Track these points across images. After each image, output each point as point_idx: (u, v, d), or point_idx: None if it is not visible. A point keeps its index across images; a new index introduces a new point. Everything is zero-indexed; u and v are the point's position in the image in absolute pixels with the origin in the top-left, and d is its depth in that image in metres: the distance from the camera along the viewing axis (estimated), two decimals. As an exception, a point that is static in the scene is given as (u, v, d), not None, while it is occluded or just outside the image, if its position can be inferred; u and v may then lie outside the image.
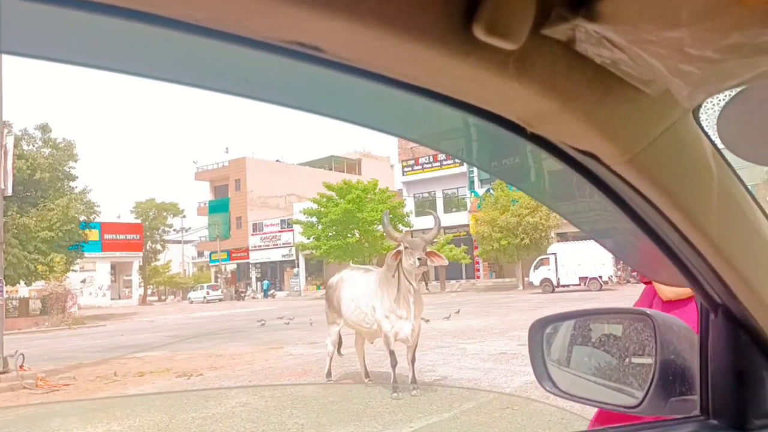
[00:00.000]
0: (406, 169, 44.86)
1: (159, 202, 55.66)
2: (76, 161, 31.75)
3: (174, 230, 57.56)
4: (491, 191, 35.75)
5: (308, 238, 37.51)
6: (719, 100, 0.67)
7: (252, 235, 51.79)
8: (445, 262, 7.68)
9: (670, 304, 2.01)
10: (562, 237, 33.19)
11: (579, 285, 29.53)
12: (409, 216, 36.73)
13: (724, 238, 0.77)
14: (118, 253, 47.33)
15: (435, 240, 8.17)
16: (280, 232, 50.01)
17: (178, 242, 58.76)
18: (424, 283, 7.38)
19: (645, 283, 2.23)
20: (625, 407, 1.05)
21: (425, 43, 0.48)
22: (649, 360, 1.02)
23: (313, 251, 38.04)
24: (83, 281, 42.78)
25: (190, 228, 60.92)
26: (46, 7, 0.45)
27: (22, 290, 31.79)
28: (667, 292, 2.03)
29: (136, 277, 50.43)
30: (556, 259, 30.45)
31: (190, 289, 52.54)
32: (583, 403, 1.21)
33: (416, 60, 0.50)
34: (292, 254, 48.02)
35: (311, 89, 0.65)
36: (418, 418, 5.97)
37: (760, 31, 0.42)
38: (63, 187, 31.11)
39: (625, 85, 0.55)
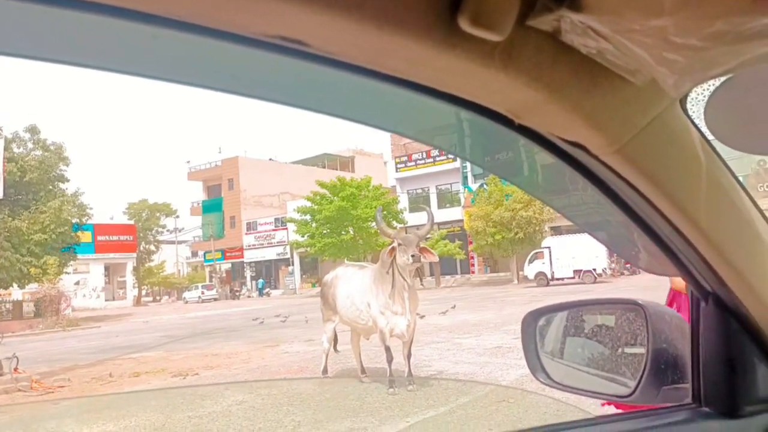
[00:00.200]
0: (399, 166, 44.83)
1: (152, 202, 55.39)
2: (67, 164, 31.66)
3: (167, 230, 57.30)
4: (485, 186, 35.78)
5: (302, 236, 37.43)
6: (705, 90, 0.68)
7: (246, 234, 51.65)
8: (436, 259, 7.69)
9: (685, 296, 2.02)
10: (556, 230, 33.26)
11: (573, 278, 29.64)
12: (403, 212, 36.72)
13: (713, 227, 0.77)
14: (111, 255, 47.11)
15: (429, 236, 8.18)
16: (274, 230, 49.89)
17: (172, 242, 58.51)
18: (418, 278, 7.40)
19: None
20: (618, 397, 1.06)
21: (410, 36, 0.48)
22: (641, 350, 1.02)
23: (308, 249, 37.97)
24: (77, 283, 42.53)
25: (183, 228, 60.74)
26: (28, 5, 0.45)
27: (16, 293, 31.56)
28: (679, 282, 2.05)
29: (130, 278, 50.21)
30: (550, 252, 30.54)
31: (185, 289, 52.34)
32: (576, 394, 1.22)
33: (402, 53, 0.50)
34: (286, 252, 47.91)
35: (300, 85, 0.65)
36: (415, 413, 5.98)
37: (743, 18, 0.42)
38: (55, 190, 30.97)
39: (612, 75, 0.55)
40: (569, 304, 1.33)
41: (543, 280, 30.37)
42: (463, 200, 40.44)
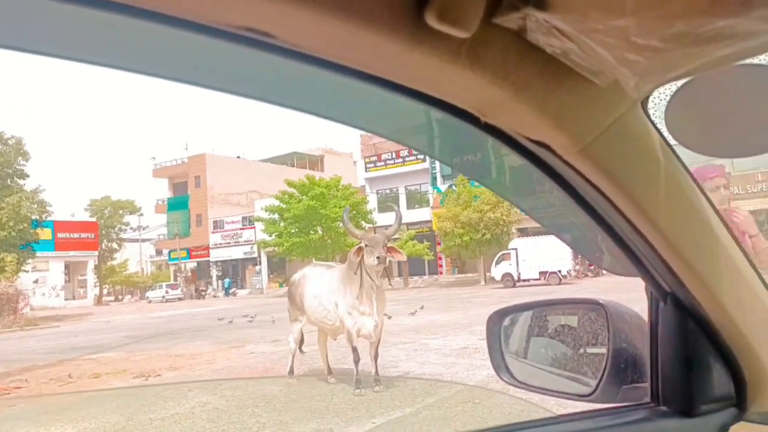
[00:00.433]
0: (368, 166, 44.82)
1: (115, 199, 54.22)
2: (27, 159, 30.82)
3: (131, 228, 56.14)
4: (453, 187, 36.05)
5: (270, 236, 37.10)
6: (666, 93, 0.69)
7: (212, 232, 50.96)
8: (404, 257, 7.72)
9: None
10: (523, 232, 33.70)
11: (539, 279, 30.07)
12: (372, 213, 36.73)
13: (672, 228, 0.79)
14: (72, 252, 45.96)
15: (397, 236, 8.21)
16: (241, 229, 49.36)
17: (136, 240, 57.35)
18: (387, 279, 7.40)
19: None
20: (579, 396, 1.07)
21: (377, 30, 0.47)
22: (602, 349, 1.04)
23: (276, 248, 37.64)
24: (36, 281, 41.38)
25: (148, 226, 59.57)
26: None
27: (-30, 291, 30.56)
28: None
29: (91, 277, 49.04)
30: (516, 254, 30.92)
31: (148, 288, 51.35)
32: (539, 393, 1.23)
33: (368, 47, 0.50)
34: (253, 252, 47.43)
35: (269, 80, 0.64)
36: (381, 414, 5.98)
37: (702, 20, 0.43)
38: (13, 185, 30.11)
39: (576, 76, 0.55)
40: (534, 304, 1.34)
41: (510, 281, 30.73)
42: (431, 201, 40.66)
